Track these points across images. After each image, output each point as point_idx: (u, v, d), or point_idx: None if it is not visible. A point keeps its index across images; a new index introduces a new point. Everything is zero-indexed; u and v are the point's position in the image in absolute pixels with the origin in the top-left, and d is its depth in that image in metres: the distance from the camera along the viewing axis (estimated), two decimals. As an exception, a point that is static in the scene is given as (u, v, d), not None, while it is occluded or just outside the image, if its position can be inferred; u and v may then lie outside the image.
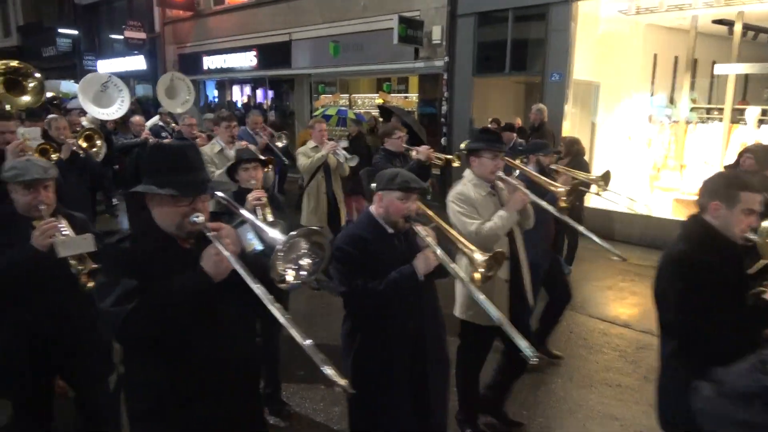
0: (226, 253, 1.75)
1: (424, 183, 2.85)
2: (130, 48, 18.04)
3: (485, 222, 3.09)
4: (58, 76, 19.15)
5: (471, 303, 3.10)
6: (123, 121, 7.63)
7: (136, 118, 7.32)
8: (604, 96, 9.78)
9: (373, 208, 2.72)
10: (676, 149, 8.85)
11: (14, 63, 6.01)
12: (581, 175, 4.46)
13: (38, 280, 2.50)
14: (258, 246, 2.07)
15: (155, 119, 8.64)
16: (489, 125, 9.57)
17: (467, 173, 3.35)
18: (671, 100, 9.87)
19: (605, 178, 4.36)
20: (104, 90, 7.27)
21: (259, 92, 16.96)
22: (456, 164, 5.66)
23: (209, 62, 16.84)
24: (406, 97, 13.38)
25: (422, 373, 2.64)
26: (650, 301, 4.49)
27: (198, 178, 1.90)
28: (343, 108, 12.72)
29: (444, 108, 11.01)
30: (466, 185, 3.27)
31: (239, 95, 17.80)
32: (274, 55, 14.57)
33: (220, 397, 1.87)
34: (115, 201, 9.19)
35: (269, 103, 16.09)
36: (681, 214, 8.28)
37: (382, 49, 11.69)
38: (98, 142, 5.65)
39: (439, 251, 2.49)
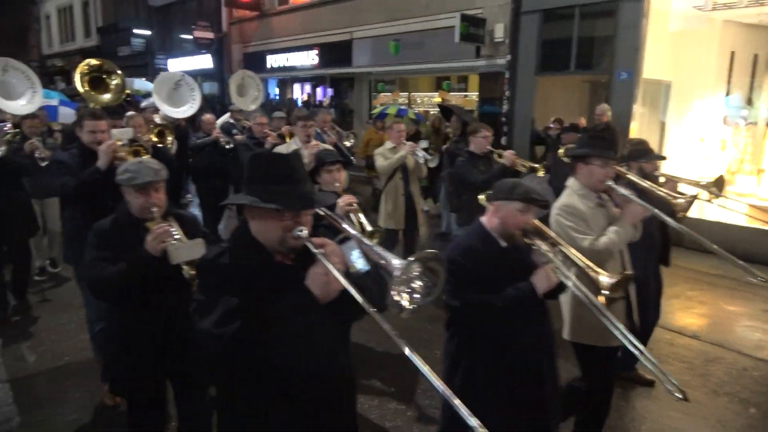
0: (337, 274, 1.58)
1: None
2: (198, 47, 18.77)
3: (599, 237, 2.84)
4: (131, 74, 20.13)
5: (587, 324, 2.86)
6: (192, 120, 7.80)
7: (207, 116, 7.33)
8: (676, 95, 9.35)
9: (484, 220, 2.57)
10: (752, 152, 8.38)
11: (97, 61, 6.22)
12: (690, 181, 3.95)
13: (154, 282, 2.51)
14: (363, 266, 1.88)
15: (226, 117, 8.69)
16: (551, 125, 9.37)
17: (572, 183, 3.05)
18: (748, 101, 9.34)
19: (718, 184, 3.76)
20: (177, 88, 7.30)
21: (319, 90, 17.26)
22: (541, 174, 5.30)
23: (272, 61, 17.29)
24: (465, 96, 13.29)
25: (540, 395, 2.52)
26: (721, 312, 4.28)
27: (304, 190, 1.76)
28: (403, 107, 12.78)
29: (505, 107, 10.84)
30: (572, 196, 3.00)
31: (299, 93, 18.18)
32: (335, 53, 14.79)
33: (317, 414, 1.79)
34: (189, 197, 9.48)
35: (329, 101, 16.34)
36: (757, 222, 7.82)
37: (443, 47, 11.65)
38: (169, 138, 5.75)
39: (563, 269, 2.34)
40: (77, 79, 5.87)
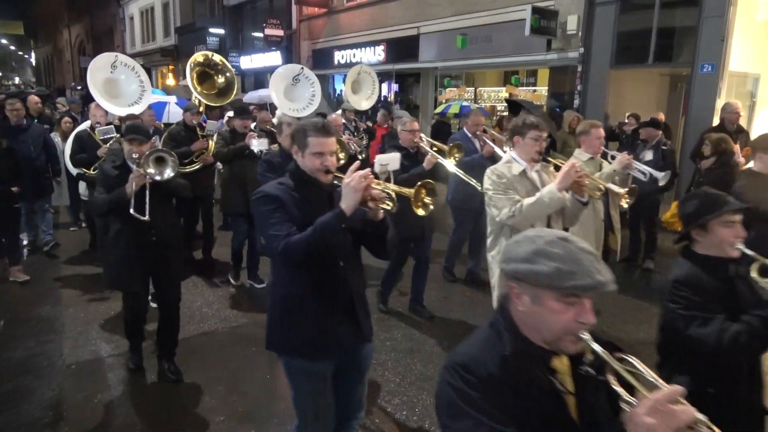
0: None
1: None
2: (269, 44, 19.30)
3: None
4: (206, 71, 20.99)
5: None
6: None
7: (334, 116, 6.43)
8: (765, 89, 8.74)
9: None
10: None
11: (215, 57, 5.88)
12: None
13: None
14: None
15: (337, 114, 7.58)
16: (626, 120, 8.99)
17: None
18: None
19: None
20: (295, 83, 6.53)
21: (385, 86, 17.32)
22: None
23: (339, 57, 17.54)
24: (534, 91, 12.97)
25: None
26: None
27: None
28: (466, 104, 12.62)
29: (576, 102, 10.51)
30: None
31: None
32: (401, 48, 14.81)
33: None
34: None
35: (394, 96, 16.37)
36: None
37: (512, 40, 11.42)
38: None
39: None
40: (189, 72, 5.56)
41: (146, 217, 3.61)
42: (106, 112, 6.00)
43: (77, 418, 3.56)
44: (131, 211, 3.59)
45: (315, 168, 2.40)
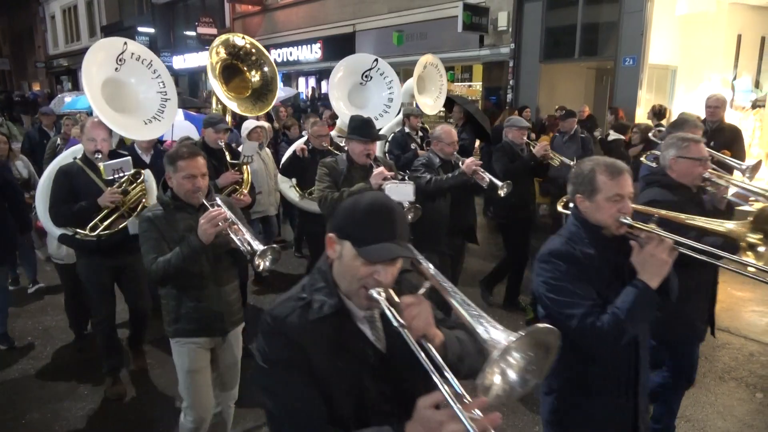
0: None
1: None
2: (202, 43, 18.76)
3: None
4: (137, 72, 20.16)
5: None
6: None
7: (446, 128, 4.28)
8: (682, 80, 9.29)
9: None
10: (761, 136, 8.30)
11: (242, 39, 4.23)
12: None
13: None
14: None
15: (392, 124, 5.56)
16: (555, 113, 9.33)
17: None
18: (756, 84, 9.25)
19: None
20: (365, 82, 5.00)
21: (324, 83, 17.23)
22: None
23: (276, 55, 17.27)
24: (469, 86, 13.23)
25: None
26: (729, 298, 4.09)
27: None
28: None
29: (509, 96, 10.81)
30: None
31: (304, 87, 18.17)
32: (338, 46, 14.76)
33: None
34: None
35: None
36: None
37: (447, 37, 11.61)
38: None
39: None
40: (210, 71, 4.18)
41: None
42: (111, 133, 3.58)
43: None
44: None
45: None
